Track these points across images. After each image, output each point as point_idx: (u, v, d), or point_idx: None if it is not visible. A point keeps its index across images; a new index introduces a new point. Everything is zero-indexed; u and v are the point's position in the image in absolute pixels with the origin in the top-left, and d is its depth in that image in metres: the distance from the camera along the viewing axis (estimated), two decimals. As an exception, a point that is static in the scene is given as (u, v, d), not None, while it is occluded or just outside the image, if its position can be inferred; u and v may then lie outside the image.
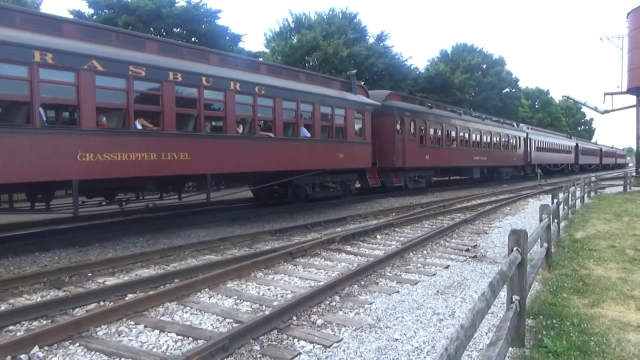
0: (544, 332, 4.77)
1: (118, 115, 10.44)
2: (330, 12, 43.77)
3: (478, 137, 28.96)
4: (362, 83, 34.75)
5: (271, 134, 14.14)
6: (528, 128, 40.73)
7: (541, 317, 5.24)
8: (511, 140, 34.22)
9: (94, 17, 27.72)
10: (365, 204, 18.75)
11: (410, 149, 21.75)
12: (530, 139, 38.06)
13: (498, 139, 31.85)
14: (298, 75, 16.14)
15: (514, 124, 38.82)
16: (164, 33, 29.54)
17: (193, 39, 30.04)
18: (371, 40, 44.08)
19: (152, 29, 28.58)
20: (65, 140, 9.26)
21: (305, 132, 15.41)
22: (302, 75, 16.42)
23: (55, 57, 8.99)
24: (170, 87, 10.95)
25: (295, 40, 40.23)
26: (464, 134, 27.27)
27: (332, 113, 16.60)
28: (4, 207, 10.01)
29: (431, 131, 23.82)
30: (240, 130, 13.07)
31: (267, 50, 42.05)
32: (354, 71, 19.58)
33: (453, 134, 26.18)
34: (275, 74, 14.77)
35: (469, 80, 53.14)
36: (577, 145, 54.06)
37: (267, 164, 13.89)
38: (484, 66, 59.86)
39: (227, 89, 12.40)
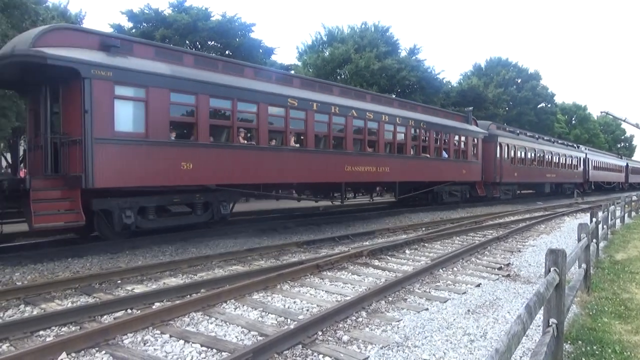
0: (583, 359, 4.51)
1: (359, 143, 16.80)
2: (363, 26, 43.91)
3: (549, 157, 33.72)
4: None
5: (428, 155, 20.60)
6: (586, 149, 44.23)
7: (580, 342, 4.97)
8: (573, 161, 38.77)
9: (133, 30, 28.61)
10: (394, 218, 18.51)
11: (505, 167, 27.16)
12: (588, 159, 41.90)
13: (564, 160, 36.63)
14: (438, 112, 23.33)
15: (575, 145, 42.97)
16: (199, 46, 30.20)
17: (227, 52, 30.59)
18: (403, 53, 43.93)
19: (187, 42, 29.27)
20: (339, 158, 15.72)
21: (444, 154, 21.94)
22: (440, 112, 23.69)
23: (359, 113, 16.46)
24: (382, 125, 17.74)
25: (328, 54, 40.48)
26: (539, 155, 32.16)
27: (459, 140, 23.25)
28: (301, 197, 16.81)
29: (518, 154, 29.13)
30: (412, 152, 19.56)
31: (299, 63, 42.46)
32: (470, 108, 27.66)
33: (532, 155, 31.13)
34: (427, 112, 21.94)
35: (502, 95, 52.22)
36: (627, 164, 57.34)
37: (426, 175, 20.68)
38: (519, 80, 58.75)
39: (407, 125, 19.19)
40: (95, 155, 9.61)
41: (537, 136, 33.83)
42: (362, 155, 16.71)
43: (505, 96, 53.34)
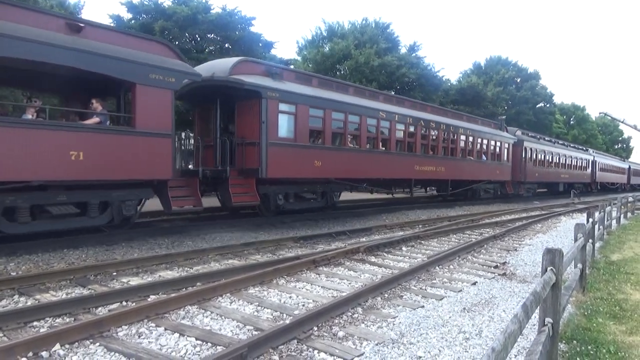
0: (577, 359, 4.51)
1: (423, 147, 20.75)
2: (363, 22, 43.80)
3: (564, 160, 37.11)
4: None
5: (472, 157, 24.44)
6: (593, 152, 47.27)
7: (575, 342, 4.98)
8: (583, 163, 41.86)
9: (132, 21, 28.42)
10: (391, 215, 18.52)
11: (529, 168, 30.81)
12: (596, 161, 45.08)
13: (575, 162, 39.92)
14: (477, 121, 27.47)
15: (584, 148, 46.28)
16: (199, 39, 30.05)
17: (226, 45, 30.45)
18: (403, 50, 43.84)
19: (187, 35, 29.11)
20: (411, 159, 19.53)
21: (483, 157, 25.80)
22: (479, 120, 27.86)
23: (425, 123, 20.67)
24: (440, 132, 21.62)
25: (328, 49, 40.35)
26: (556, 158, 35.43)
27: (495, 145, 26.94)
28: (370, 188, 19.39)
29: (539, 156, 32.60)
30: (460, 155, 23.42)
31: (299, 58, 42.32)
32: (503, 117, 32.56)
33: (550, 158, 34.47)
34: (471, 121, 26.30)
35: (501, 94, 52.23)
36: (629, 167, 60.69)
37: (471, 175, 24.58)
38: (518, 80, 58.78)
39: (457, 132, 23.15)
40: (268, 154, 13.02)
41: (553, 140, 37.54)
42: (426, 157, 20.61)
43: (504, 95, 53.39)
